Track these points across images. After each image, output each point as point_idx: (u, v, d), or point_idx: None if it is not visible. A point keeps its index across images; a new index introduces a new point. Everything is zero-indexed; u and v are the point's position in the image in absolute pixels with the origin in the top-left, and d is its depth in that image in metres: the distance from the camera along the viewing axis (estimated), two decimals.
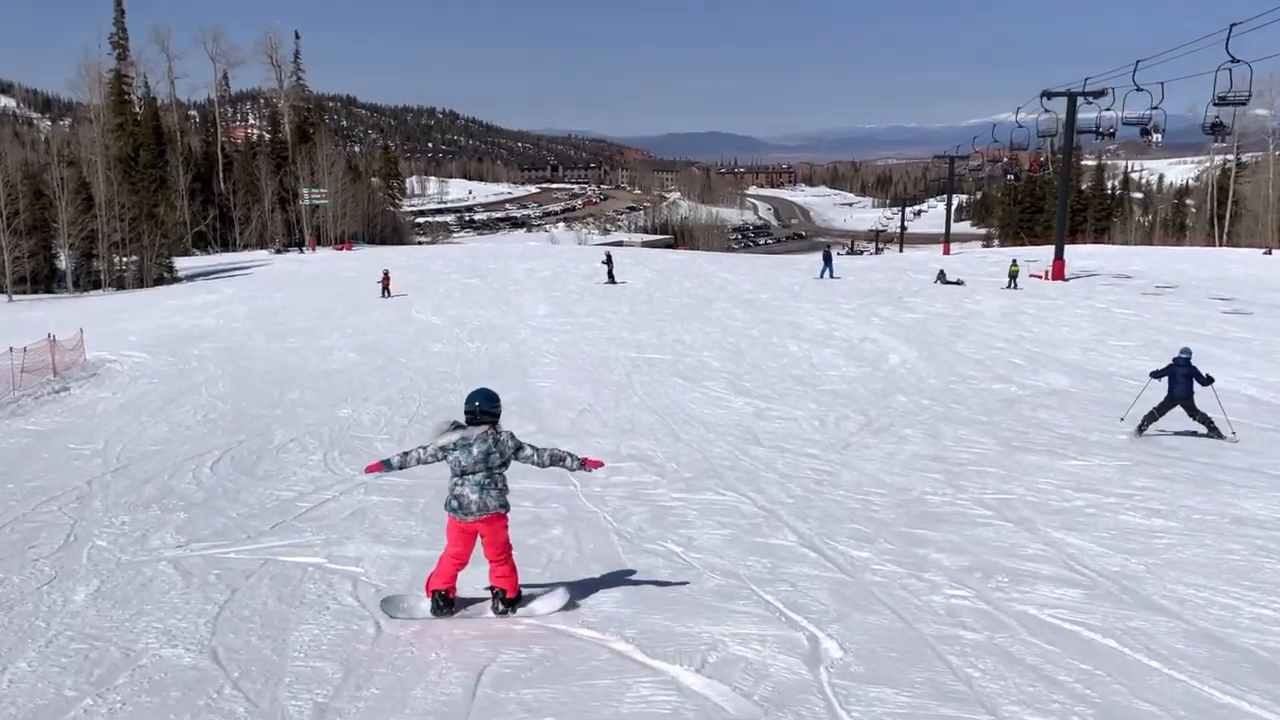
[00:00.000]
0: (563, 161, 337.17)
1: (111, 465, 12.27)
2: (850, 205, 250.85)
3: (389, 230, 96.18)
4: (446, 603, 5.95)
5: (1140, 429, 13.93)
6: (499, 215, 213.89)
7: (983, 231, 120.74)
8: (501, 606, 5.93)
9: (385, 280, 37.37)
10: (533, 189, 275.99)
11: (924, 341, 25.35)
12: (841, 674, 5.25)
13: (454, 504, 5.70)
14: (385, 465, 5.91)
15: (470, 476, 5.66)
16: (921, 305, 32.84)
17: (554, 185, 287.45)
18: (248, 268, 56.05)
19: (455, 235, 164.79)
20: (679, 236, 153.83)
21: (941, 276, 40.24)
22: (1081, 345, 24.30)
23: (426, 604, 6.04)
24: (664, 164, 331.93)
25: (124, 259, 52.06)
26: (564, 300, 33.74)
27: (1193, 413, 13.54)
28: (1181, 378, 13.46)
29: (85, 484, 11.17)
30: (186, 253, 68.34)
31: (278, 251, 72.49)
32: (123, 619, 6.46)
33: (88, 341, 24.35)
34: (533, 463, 5.82)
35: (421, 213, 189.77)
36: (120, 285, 51.09)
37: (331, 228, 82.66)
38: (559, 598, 6.08)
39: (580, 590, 6.78)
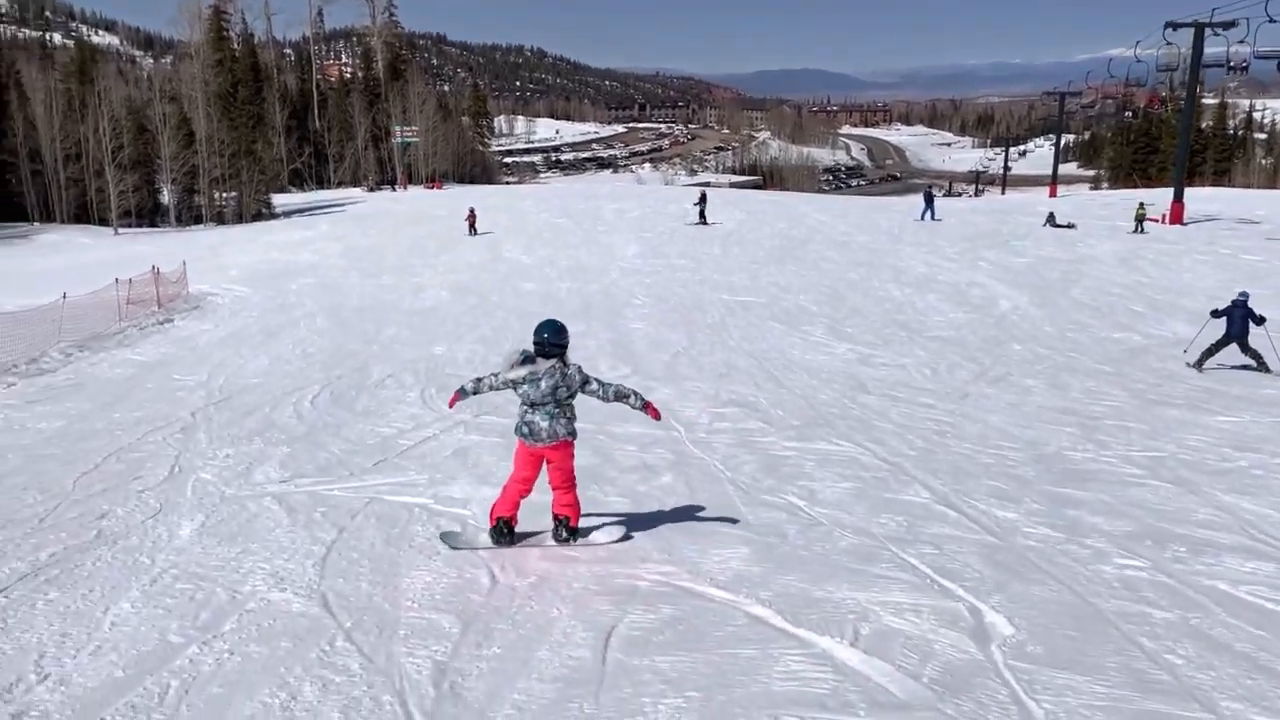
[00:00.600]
0: (650, 100, 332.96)
1: (214, 397, 12.30)
2: (948, 145, 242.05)
3: (478, 170, 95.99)
4: (509, 530, 5.99)
5: (1199, 363, 15.03)
6: (585, 155, 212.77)
7: (1090, 173, 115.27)
8: (564, 534, 6.00)
9: (471, 218, 37.35)
10: (619, 129, 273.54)
11: (1035, 287, 24.14)
12: (1017, 654, 4.65)
13: (525, 429, 5.78)
14: (461, 393, 6.00)
15: (540, 407, 5.75)
16: (1030, 249, 31.34)
17: (641, 125, 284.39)
18: (342, 205, 56.52)
19: (542, 175, 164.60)
20: (767, 177, 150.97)
21: (1051, 219, 38.36)
22: (1207, 293, 22.77)
23: (485, 536, 6.12)
24: (754, 102, 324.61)
25: (223, 195, 52.88)
26: (654, 241, 33.14)
27: (1245, 349, 14.79)
28: (1238, 318, 14.73)
29: (189, 415, 11.16)
30: (283, 190, 69.16)
31: (371, 189, 73.18)
32: (228, 557, 6.23)
33: (190, 275, 24.77)
34: (598, 396, 5.87)
35: (509, 152, 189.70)
36: (220, 220, 51.95)
37: (422, 166, 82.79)
38: (617, 530, 6.17)
39: (703, 544, 6.34)
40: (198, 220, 52.15)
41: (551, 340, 5.76)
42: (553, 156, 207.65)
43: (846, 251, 30.67)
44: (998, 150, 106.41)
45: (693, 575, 5.67)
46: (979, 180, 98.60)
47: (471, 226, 36.94)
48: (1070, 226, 37.33)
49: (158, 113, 51.20)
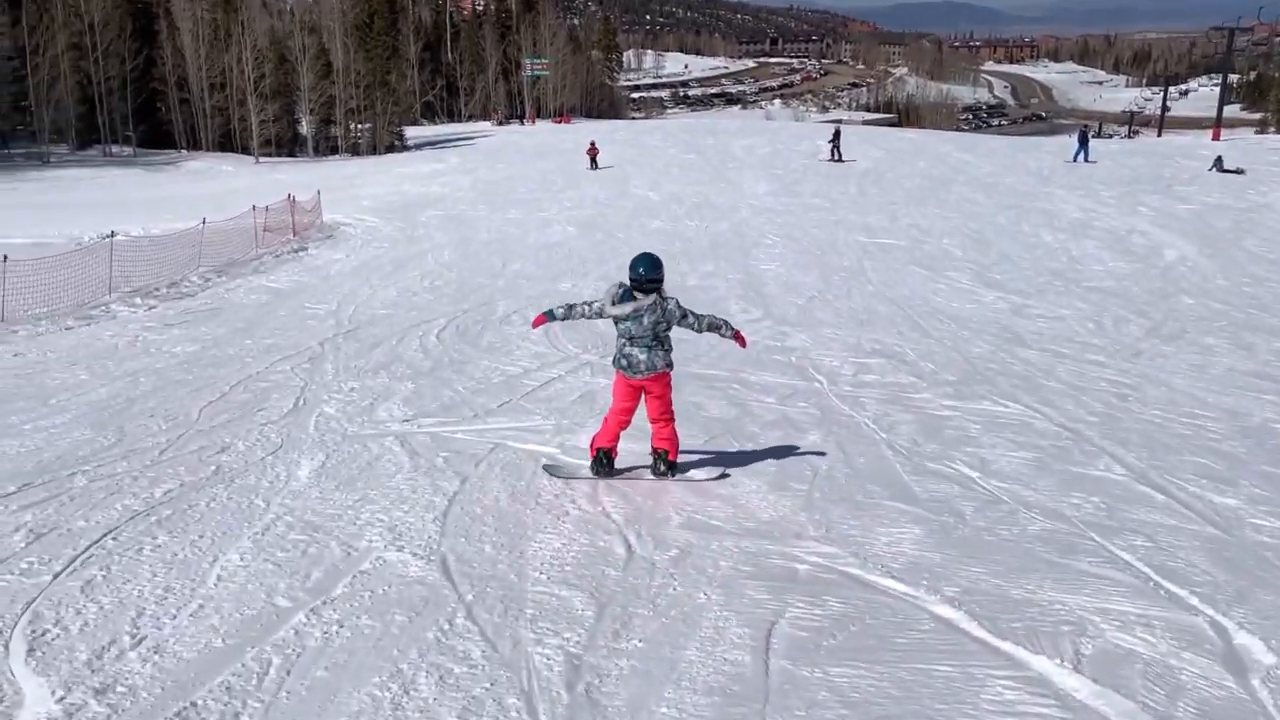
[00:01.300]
0: (783, 34, 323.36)
1: (343, 326, 12.19)
2: (1100, 84, 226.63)
3: (605, 104, 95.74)
4: (609, 460, 6.04)
5: None
6: (713, 91, 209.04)
7: (1256, 116, 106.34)
8: (663, 467, 6.01)
9: (592, 151, 36.90)
10: (750, 64, 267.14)
11: (1205, 236, 22.12)
12: None
13: (623, 362, 5.84)
14: (549, 316, 6.02)
15: (639, 340, 5.80)
16: (1196, 195, 28.82)
17: (772, 60, 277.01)
18: (471, 138, 56.84)
19: (669, 111, 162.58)
20: (903, 115, 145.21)
21: (1219, 164, 35.18)
22: None
23: (587, 468, 6.14)
24: (891, 37, 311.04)
25: (358, 126, 53.74)
26: (786, 179, 32.32)
27: None
28: None
29: (318, 344, 10.99)
30: (415, 122, 70.24)
31: (500, 123, 73.55)
32: (346, 505, 5.75)
33: (324, 204, 25.10)
34: (692, 329, 5.94)
35: (637, 88, 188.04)
36: (355, 151, 52.88)
37: (551, 100, 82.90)
38: (716, 469, 6.20)
39: (865, 520, 5.52)
40: (333, 151, 53.20)
41: (648, 275, 5.75)
42: (680, 92, 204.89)
43: (993, 193, 29.03)
44: (1155, 89, 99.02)
45: (860, 560, 4.86)
46: (1133, 121, 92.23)
47: (593, 160, 36.56)
48: (1239, 172, 34.17)
49: (298, 43, 52.03)
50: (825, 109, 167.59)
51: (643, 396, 5.97)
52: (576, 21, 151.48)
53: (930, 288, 15.81)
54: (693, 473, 6.22)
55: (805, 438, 7.36)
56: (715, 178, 32.61)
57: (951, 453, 7.01)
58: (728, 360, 10.27)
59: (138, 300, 14.50)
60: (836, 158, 37.10)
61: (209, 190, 33.34)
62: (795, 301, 14.34)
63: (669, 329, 5.87)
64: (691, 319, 5.91)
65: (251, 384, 8.99)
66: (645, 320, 5.76)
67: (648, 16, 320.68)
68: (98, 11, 45.73)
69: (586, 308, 5.95)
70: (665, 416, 5.98)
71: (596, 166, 36.05)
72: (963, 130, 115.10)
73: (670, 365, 5.92)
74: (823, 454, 6.92)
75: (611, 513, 5.66)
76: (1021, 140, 58.12)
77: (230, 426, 7.49)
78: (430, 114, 79.18)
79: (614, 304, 5.78)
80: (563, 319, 6.03)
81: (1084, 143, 39.52)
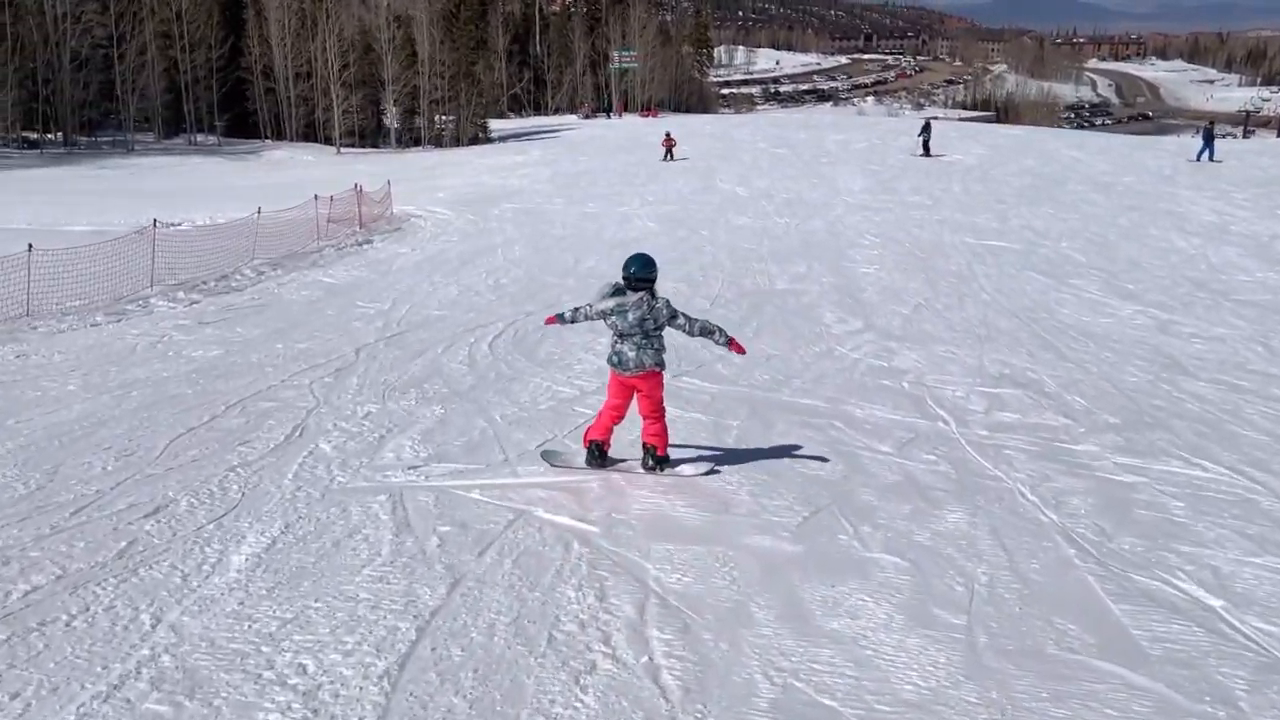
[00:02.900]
0: (877, 31, 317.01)
1: (390, 329, 11.42)
2: (1210, 83, 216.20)
3: (694, 99, 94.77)
4: (601, 453, 6.25)
5: None
6: (804, 88, 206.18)
7: None
8: (651, 462, 6.19)
9: (668, 143, 36.58)
10: (843, 60, 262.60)
11: None
12: None
13: (614, 359, 6.04)
14: (559, 318, 6.23)
15: (629, 338, 5.95)
16: None
17: (866, 56, 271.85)
18: (556, 131, 56.66)
19: (759, 107, 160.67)
20: (1001, 113, 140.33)
21: None
22: None
23: (581, 458, 6.28)
24: (990, 33, 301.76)
25: (442, 117, 53.62)
26: (883, 175, 31.10)
27: None
28: None
29: (354, 351, 10.12)
30: (501, 115, 70.55)
31: (586, 116, 73.24)
32: (266, 632, 4.16)
33: (397, 196, 24.66)
34: (684, 331, 6.05)
35: (727, 83, 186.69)
36: (438, 143, 52.73)
37: (639, 93, 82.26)
38: (705, 465, 6.30)
39: (1071, 698, 3.65)
40: (416, 142, 53.25)
41: (638, 275, 5.97)
42: (771, 88, 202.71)
43: (1111, 193, 27.05)
44: (1274, 89, 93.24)
45: None
46: (1248, 121, 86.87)
47: (668, 151, 36.28)
48: None
49: (384, 33, 51.93)
50: (920, 106, 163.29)
51: (634, 394, 6.07)
52: (669, 16, 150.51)
53: (1054, 297, 14.24)
54: (682, 468, 6.27)
55: (943, 518, 5.68)
56: (807, 173, 31.78)
57: (1162, 554, 5.18)
58: (825, 385, 8.88)
59: (180, 295, 13.80)
60: (925, 152, 36.11)
61: (286, 180, 33.20)
62: (899, 311, 13.04)
63: (658, 328, 6.01)
64: (682, 320, 6.01)
65: (254, 403, 7.91)
66: (630, 316, 5.92)
67: (739, 12, 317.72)
68: (186, 0, 46.09)
69: (588, 309, 6.07)
70: (654, 414, 6.16)
71: (672, 158, 35.83)
72: (1064, 129, 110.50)
73: (660, 365, 6.05)
74: (974, 550, 5.21)
75: (663, 670, 3.95)
76: (1139, 138, 54.88)
77: (189, 470, 6.26)
78: (517, 107, 79.42)
79: (602, 299, 5.98)
80: (570, 322, 6.19)
81: (1209, 141, 36.57)
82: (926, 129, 37.44)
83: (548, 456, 6.44)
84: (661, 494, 5.86)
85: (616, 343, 6.06)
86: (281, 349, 10.20)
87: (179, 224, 20.94)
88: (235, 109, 49.73)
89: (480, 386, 8.71)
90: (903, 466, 6.67)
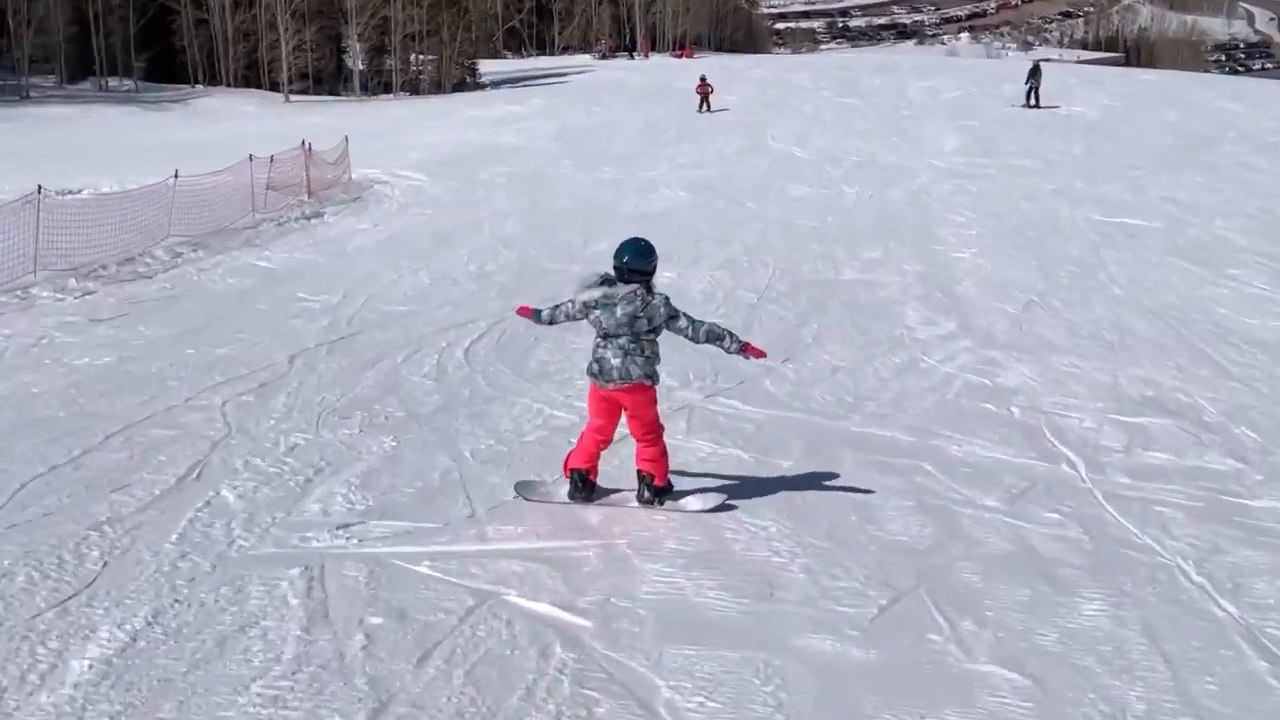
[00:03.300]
0: None
1: (338, 330, 11.34)
2: None
3: (741, 35, 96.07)
4: (586, 484, 6.37)
5: None
6: (881, 22, 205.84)
7: None
8: (648, 494, 6.33)
9: (704, 90, 37.31)
10: None
11: None
12: None
13: (594, 367, 6.16)
14: (536, 316, 6.50)
15: (614, 340, 6.07)
16: None
17: None
18: (564, 74, 56.95)
19: (823, 46, 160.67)
20: (1132, 54, 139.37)
21: None
22: None
23: (563, 491, 6.45)
24: None
25: (419, 57, 54.19)
26: (981, 132, 31.39)
27: None
28: None
29: (287, 360, 9.95)
30: (495, 54, 71.11)
31: (603, 56, 73.94)
32: None
33: (357, 156, 24.73)
34: (686, 335, 6.22)
35: (782, 16, 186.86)
36: (414, 90, 53.40)
37: (670, 27, 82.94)
38: (714, 498, 6.44)
39: None
40: (387, 89, 53.87)
41: (632, 265, 6.09)
42: (838, 23, 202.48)
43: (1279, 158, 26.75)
44: None
45: None
46: None
47: (704, 100, 37.12)
48: None
49: None
50: (1028, 45, 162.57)
51: (622, 412, 6.25)
52: None
53: (1208, 293, 14.07)
54: (687, 501, 6.37)
55: (1076, 609, 5.14)
56: (884, 129, 31.90)
57: None
58: (908, 410, 8.63)
59: (71, 283, 13.66)
60: (1033, 102, 36.61)
61: (218, 136, 33.52)
62: (1005, 309, 12.83)
63: (652, 330, 6.12)
64: (685, 323, 6.16)
65: (144, 430, 7.66)
66: (619, 311, 6.03)
67: None
68: None
69: (570, 305, 6.21)
70: (649, 436, 6.28)
71: (709, 108, 36.56)
72: (1211, 73, 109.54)
73: (650, 378, 6.16)
74: (1122, 660, 4.65)
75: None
76: None
77: (38, 528, 5.85)
78: (515, 45, 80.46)
79: (586, 289, 6.12)
80: (549, 323, 6.46)
81: None
82: (1035, 73, 37.64)
83: (521, 489, 6.52)
84: (681, 569, 5.46)
85: (599, 346, 6.15)
86: (193, 355, 10.05)
87: (77, 192, 20.87)
88: (158, 46, 50.08)
89: (448, 409, 8.47)
90: (1016, 530, 6.22)
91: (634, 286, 6.07)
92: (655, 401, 6.29)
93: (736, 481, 6.81)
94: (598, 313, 6.10)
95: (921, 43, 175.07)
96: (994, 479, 7.05)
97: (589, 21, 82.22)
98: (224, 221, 18.02)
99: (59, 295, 12.89)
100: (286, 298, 12.96)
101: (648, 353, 6.12)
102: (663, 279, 13.94)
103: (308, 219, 19.22)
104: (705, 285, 13.84)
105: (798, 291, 13.46)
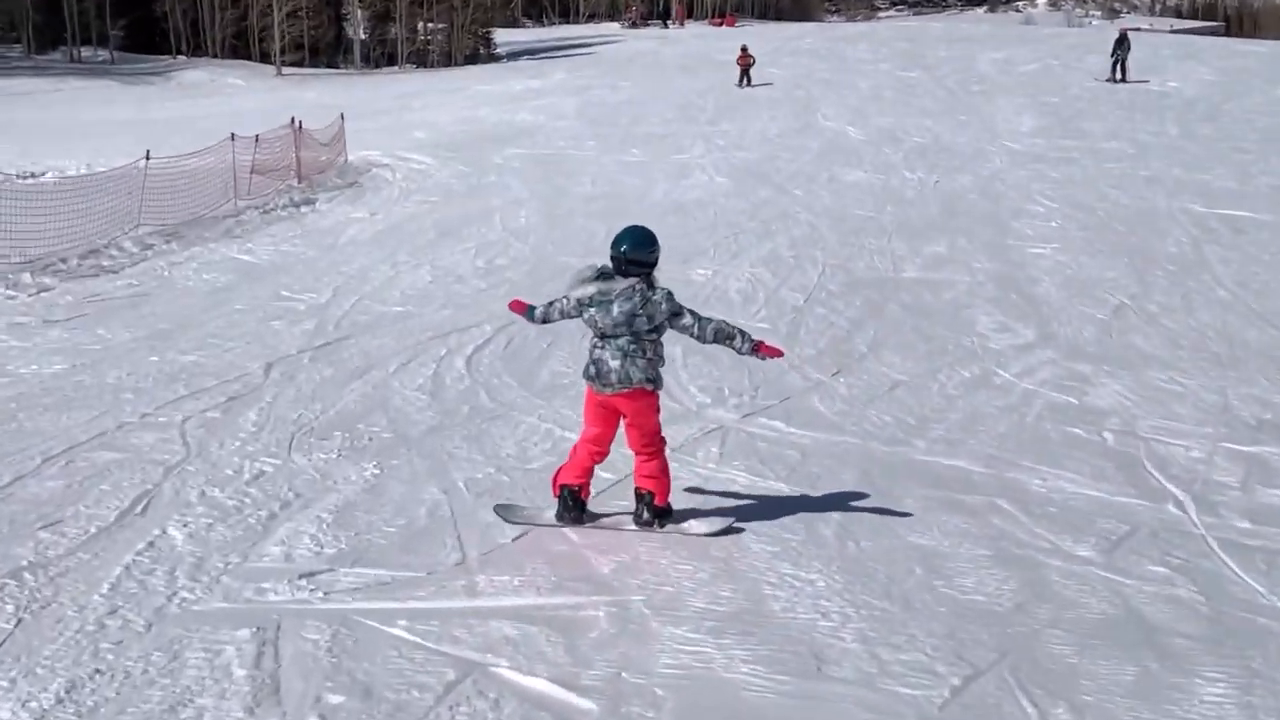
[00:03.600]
0: None
1: (324, 335, 11.25)
2: None
3: (788, 1, 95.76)
4: (576, 503, 6.45)
5: None
6: None
7: None
8: (647, 516, 6.42)
9: (744, 61, 37.64)
10: None
11: None
12: None
13: (591, 370, 6.24)
14: (529, 313, 6.60)
15: (612, 340, 6.14)
16: None
17: None
18: (590, 45, 57.38)
19: (882, 14, 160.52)
20: (1234, 23, 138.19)
21: None
22: None
23: (550, 511, 6.54)
24: None
25: (427, 25, 54.20)
26: (1063, 111, 31.21)
27: None
28: None
29: (262, 369, 9.85)
30: (514, 23, 71.74)
31: (632, 24, 74.27)
32: None
33: (355, 136, 24.89)
34: (691, 334, 6.29)
35: None
36: (421, 63, 53.65)
37: None
38: (720, 521, 6.52)
39: None
40: (391, 61, 54.21)
41: (630, 255, 6.13)
42: None
43: None
44: None
45: None
46: None
47: (744, 73, 37.44)
48: None
49: None
50: (1115, 13, 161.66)
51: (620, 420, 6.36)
52: None
53: None
54: (690, 524, 6.45)
55: (1194, 692, 4.69)
56: (951, 107, 31.89)
57: None
58: (980, 434, 8.31)
59: (25, 278, 13.64)
60: (1120, 76, 36.46)
61: (202, 112, 33.80)
62: (1093, 314, 12.61)
63: (653, 330, 6.17)
64: (690, 320, 6.19)
65: (89, 453, 7.47)
66: (615, 309, 6.09)
67: None
68: None
69: (564, 302, 6.32)
70: (649, 448, 6.35)
71: (750, 82, 36.86)
72: None
73: (651, 382, 6.22)
74: None
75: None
76: None
77: None
78: (536, 12, 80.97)
79: (580, 284, 6.18)
80: (542, 321, 6.58)
81: None
82: (1122, 43, 37.43)
83: (503, 512, 6.57)
84: (709, 634, 5.11)
85: (595, 346, 6.22)
86: (155, 364, 9.95)
87: (40, 175, 20.94)
88: (137, 12, 50.33)
89: (443, 429, 8.26)
90: (1116, 588, 5.81)
91: (633, 281, 6.08)
92: (658, 409, 6.35)
93: (775, 523, 6.51)
94: (593, 311, 6.13)
95: (993, 10, 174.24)
96: (1086, 522, 6.71)
97: None
98: (201, 209, 18.03)
99: (10, 292, 12.89)
100: (268, 296, 12.94)
101: (649, 354, 6.16)
102: (696, 276, 14.23)
103: (296, 206, 19.26)
104: (744, 284, 13.70)
105: (851, 292, 13.26)
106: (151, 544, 5.99)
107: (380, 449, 7.73)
